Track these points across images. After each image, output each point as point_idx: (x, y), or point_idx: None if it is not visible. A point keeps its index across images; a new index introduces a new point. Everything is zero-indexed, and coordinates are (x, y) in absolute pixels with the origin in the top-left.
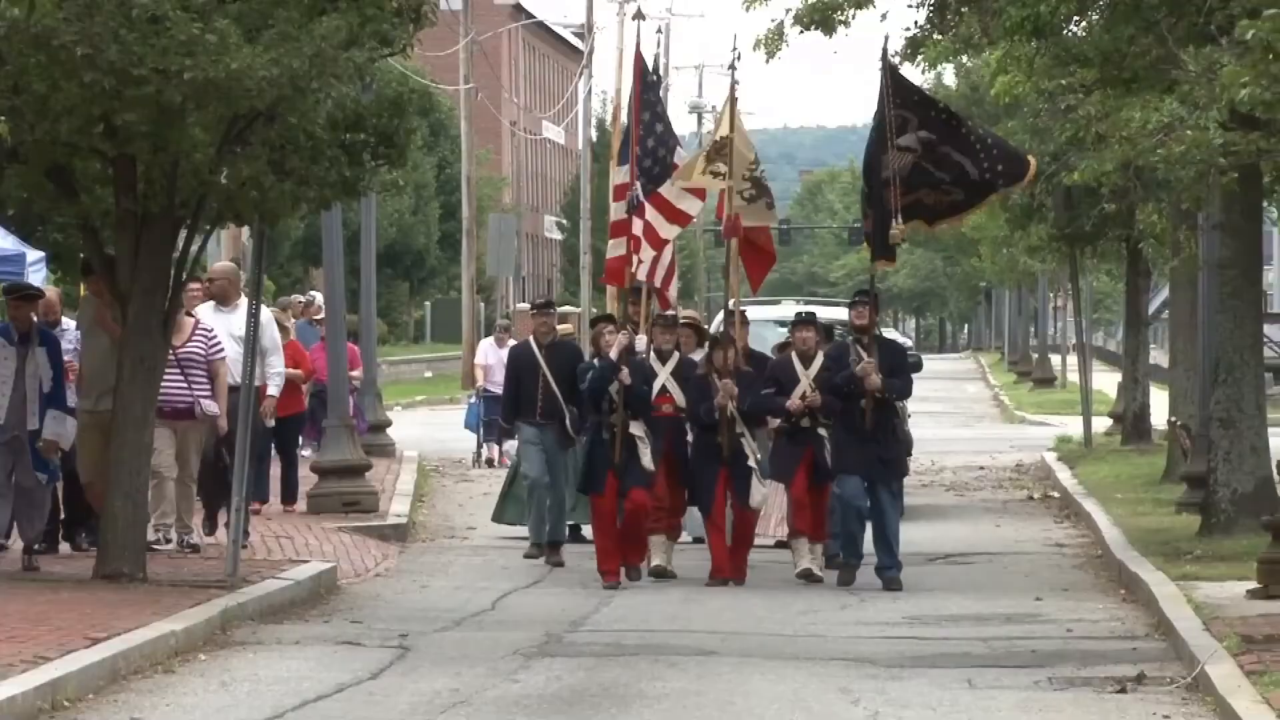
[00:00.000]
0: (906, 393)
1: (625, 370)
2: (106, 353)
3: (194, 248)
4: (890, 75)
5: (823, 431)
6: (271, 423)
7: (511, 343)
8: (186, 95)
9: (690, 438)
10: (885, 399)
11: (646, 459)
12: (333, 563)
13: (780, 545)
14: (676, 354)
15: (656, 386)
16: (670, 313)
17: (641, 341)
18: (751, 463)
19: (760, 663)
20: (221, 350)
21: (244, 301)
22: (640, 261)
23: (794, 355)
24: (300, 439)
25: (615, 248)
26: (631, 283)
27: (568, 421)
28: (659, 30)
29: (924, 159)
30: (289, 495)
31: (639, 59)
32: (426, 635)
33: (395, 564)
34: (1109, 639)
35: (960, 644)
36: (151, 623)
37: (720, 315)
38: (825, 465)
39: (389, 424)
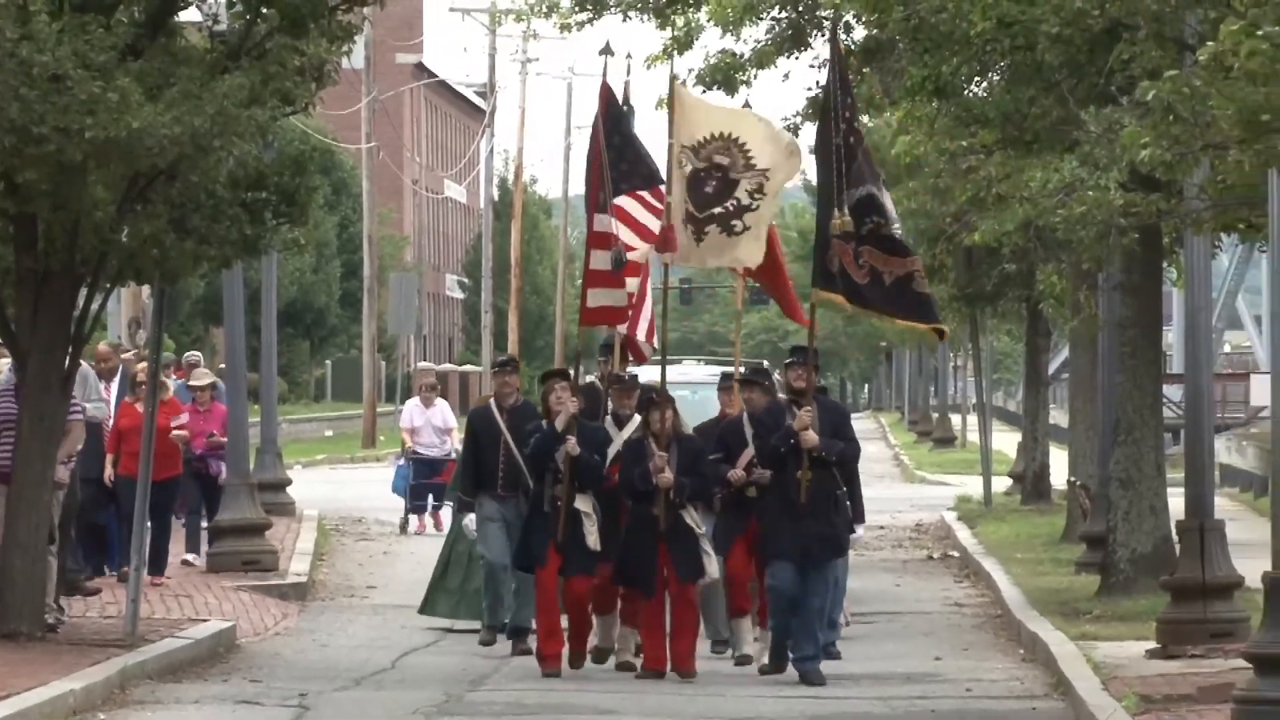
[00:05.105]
0: (851, 459)
1: (572, 440)
2: None
3: (94, 306)
4: (841, 67)
5: None
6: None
7: (439, 402)
8: (88, 154)
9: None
10: (826, 463)
11: (592, 539)
12: (232, 621)
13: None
14: (636, 418)
15: (610, 452)
16: (630, 373)
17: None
18: (698, 532)
19: None
20: (77, 411)
21: None
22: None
23: (745, 417)
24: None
25: (596, 297)
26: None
27: (530, 498)
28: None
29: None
30: (156, 565)
31: (605, 92)
32: (326, 694)
33: (295, 623)
34: (1008, 698)
35: (859, 704)
36: (50, 681)
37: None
38: None
39: (289, 483)
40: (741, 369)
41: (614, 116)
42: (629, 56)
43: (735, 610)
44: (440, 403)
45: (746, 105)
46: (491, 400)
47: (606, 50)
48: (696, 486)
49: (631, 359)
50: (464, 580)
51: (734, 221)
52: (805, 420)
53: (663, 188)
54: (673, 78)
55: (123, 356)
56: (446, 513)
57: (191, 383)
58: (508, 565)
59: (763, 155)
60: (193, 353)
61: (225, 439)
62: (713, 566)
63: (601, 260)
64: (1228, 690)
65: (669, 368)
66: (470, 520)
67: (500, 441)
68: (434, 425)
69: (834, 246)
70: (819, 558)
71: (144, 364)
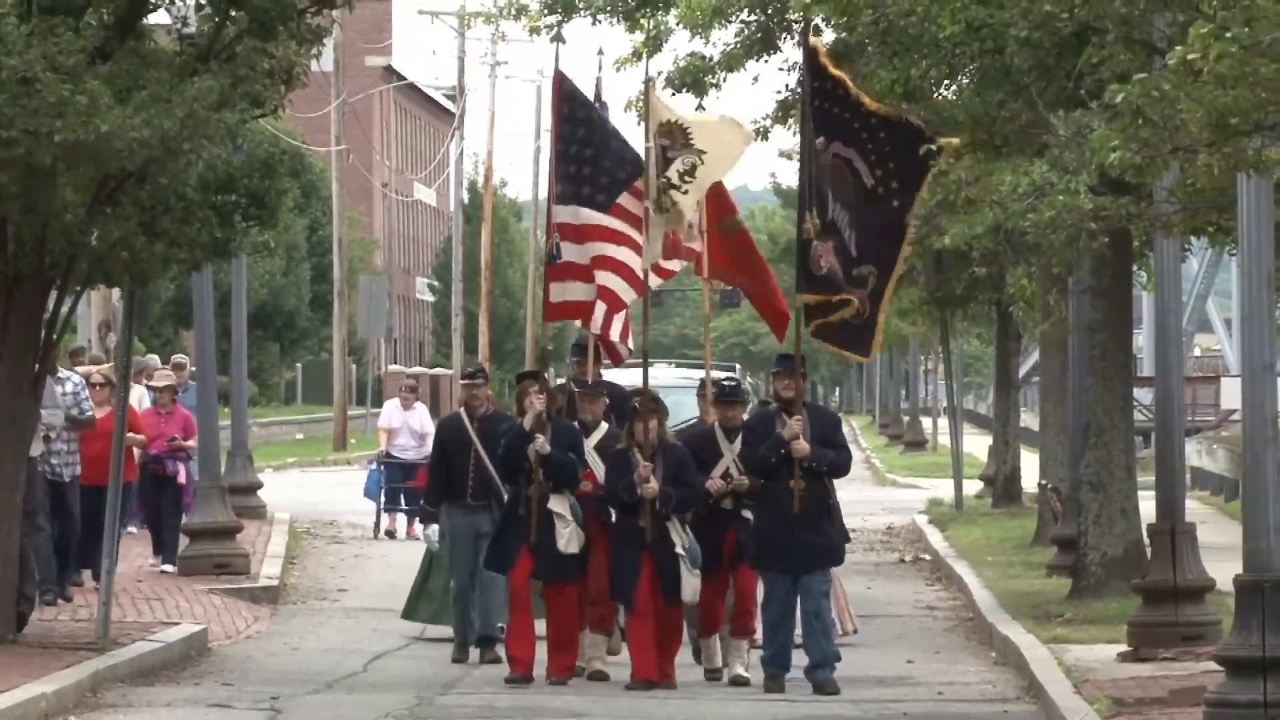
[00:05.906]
0: (842, 467)
1: (542, 439)
2: None
3: (64, 309)
4: (811, 69)
5: (747, 514)
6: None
7: (418, 405)
8: (57, 156)
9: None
10: (818, 473)
11: (564, 540)
12: (204, 625)
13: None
14: (603, 425)
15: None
16: (593, 379)
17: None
18: (680, 549)
19: None
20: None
21: None
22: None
23: (718, 427)
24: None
25: (559, 291)
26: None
27: (506, 501)
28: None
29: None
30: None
31: (559, 81)
32: (298, 698)
33: (266, 626)
34: (980, 701)
35: (832, 707)
36: (22, 685)
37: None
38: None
39: (260, 486)
40: (713, 373)
41: (572, 105)
42: (600, 53)
43: (704, 630)
44: (419, 406)
45: (700, 108)
46: (461, 410)
47: (558, 38)
48: (683, 496)
49: (607, 360)
50: (445, 585)
51: (662, 197)
52: (795, 429)
53: (639, 184)
54: (647, 81)
55: (75, 369)
56: (433, 530)
57: (151, 384)
58: (475, 585)
59: (703, 139)
60: (175, 356)
61: (189, 442)
62: (690, 591)
63: (565, 253)
64: (1199, 693)
65: (641, 371)
66: (433, 530)
67: (471, 450)
68: (411, 428)
69: (815, 249)
70: (814, 567)
71: (99, 367)
